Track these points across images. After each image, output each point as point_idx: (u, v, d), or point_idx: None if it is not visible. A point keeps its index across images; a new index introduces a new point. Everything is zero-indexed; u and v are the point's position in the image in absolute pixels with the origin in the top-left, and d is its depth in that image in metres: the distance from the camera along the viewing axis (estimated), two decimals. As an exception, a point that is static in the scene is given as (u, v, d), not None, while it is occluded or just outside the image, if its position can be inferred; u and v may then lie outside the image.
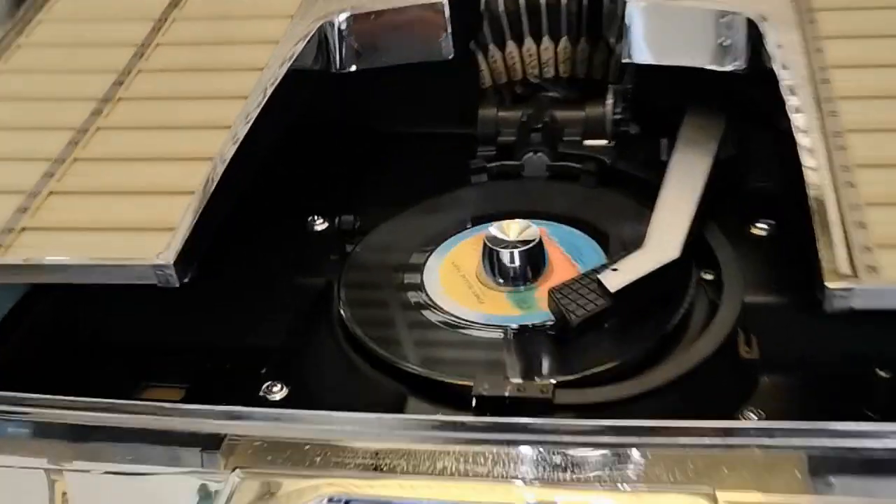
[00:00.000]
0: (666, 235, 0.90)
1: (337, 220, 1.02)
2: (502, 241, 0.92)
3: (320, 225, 1.05)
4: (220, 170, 0.88)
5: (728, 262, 0.93)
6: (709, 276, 0.93)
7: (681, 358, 0.85)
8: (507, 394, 0.79)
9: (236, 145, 0.90)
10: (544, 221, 0.99)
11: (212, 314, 0.95)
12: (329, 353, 0.92)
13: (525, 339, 0.88)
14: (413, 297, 0.93)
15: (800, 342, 0.87)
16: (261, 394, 0.86)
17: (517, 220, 0.94)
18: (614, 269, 0.87)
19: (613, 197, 1.03)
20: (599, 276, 0.87)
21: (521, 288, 0.92)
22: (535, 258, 0.92)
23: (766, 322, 0.88)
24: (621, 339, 0.86)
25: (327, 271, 0.99)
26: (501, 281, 0.93)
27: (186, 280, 0.81)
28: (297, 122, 1.06)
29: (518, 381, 0.81)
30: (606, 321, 0.86)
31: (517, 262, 0.92)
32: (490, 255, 0.93)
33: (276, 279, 1.00)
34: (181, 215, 0.84)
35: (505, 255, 0.92)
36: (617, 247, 0.95)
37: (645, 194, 1.01)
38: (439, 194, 1.05)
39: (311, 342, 0.93)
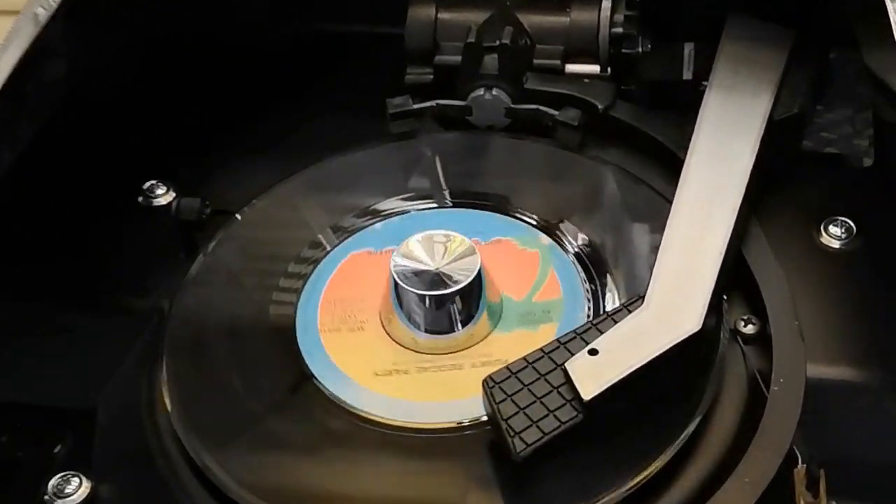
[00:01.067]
0: (682, 287, 0.55)
1: (175, 204, 0.67)
2: (420, 273, 0.57)
3: (161, 197, 0.70)
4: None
5: (781, 308, 0.58)
6: (749, 330, 0.58)
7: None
8: None
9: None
10: (496, 217, 0.64)
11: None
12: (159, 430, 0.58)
13: (447, 451, 0.54)
14: (280, 366, 0.59)
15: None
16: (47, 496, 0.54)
17: (445, 237, 0.59)
18: (593, 352, 0.52)
19: (608, 171, 0.66)
20: (567, 366, 0.52)
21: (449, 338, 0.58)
22: (469, 300, 0.58)
23: (847, 430, 0.54)
24: (597, 473, 0.52)
25: (161, 281, 0.65)
26: (420, 332, 0.58)
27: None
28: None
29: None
30: (575, 444, 0.52)
31: (440, 309, 0.57)
32: (400, 296, 0.58)
33: (87, 291, 0.65)
34: None
35: (420, 300, 0.57)
36: (608, 268, 0.61)
37: (660, 164, 0.66)
38: (332, 155, 0.69)
39: (132, 404, 0.59)
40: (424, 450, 0.54)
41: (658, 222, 0.60)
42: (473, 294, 0.57)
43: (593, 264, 0.61)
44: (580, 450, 0.52)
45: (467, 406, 0.55)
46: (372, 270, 0.61)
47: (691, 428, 0.53)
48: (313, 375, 0.57)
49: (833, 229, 0.63)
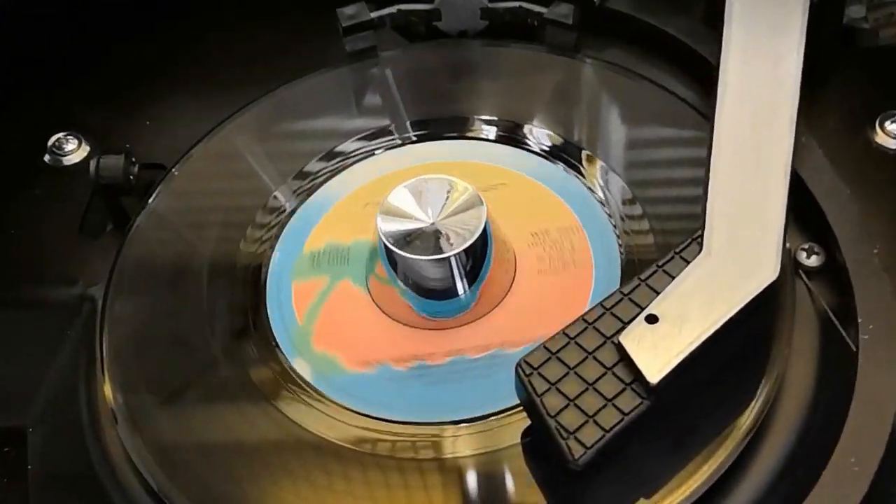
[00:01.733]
0: (747, 224, 0.44)
1: (94, 163, 0.54)
2: (417, 234, 0.46)
3: (73, 154, 0.57)
4: None
5: (852, 233, 0.48)
6: (812, 262, 0.48)
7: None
8: None
9: None
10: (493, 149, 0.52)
11: None
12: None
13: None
14: (243, 356, 0.48)
15: None
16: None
17: (443, 181, 0.47)
18: (652, 318, 0.42)
19: (617, 77, 0.55)
20: (623, 340, 0.42)
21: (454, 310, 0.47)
22: (476, 258, 0.47)
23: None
24: (658, 467, 0.42)
25: (85, 264, 0.52)
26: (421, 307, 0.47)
27: None
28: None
29: None
30: (639, 435, 0.41)
31: (445, 274, 0.46)
32: (392, 259, 0.47)
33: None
34: None
35: (418, 265, 0.46)
36: (636, 195, 0.50)
37: (674, 62, 0.55)
38: (278, 87, 0.56)
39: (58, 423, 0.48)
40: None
41: (686, 132, 0.50)
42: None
43: (621, 197, 0.51)
44: (642, 441, 0.42)
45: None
46: (347, 231, 0.50)
47: (767, 399, 0.43)
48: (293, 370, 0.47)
49: (891, 126, 0.53)
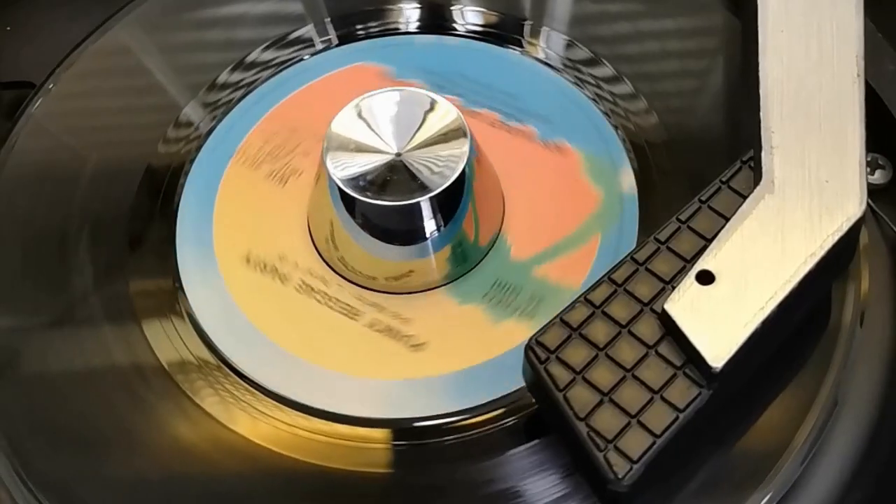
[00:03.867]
0: (819, 146, 0.33)
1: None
2: (376, 174, 0.34)
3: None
4: None
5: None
6: (877, 178, 0.38)
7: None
8: None
9: None
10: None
11: None
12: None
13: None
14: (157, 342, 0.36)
15: None
16: None
17: (408, 93, 0.36)
18: (705, 277, 0.31)
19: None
20: (669, 308, 0.31)
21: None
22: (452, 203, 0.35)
23: None
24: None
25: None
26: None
27: None
28: None
29: None
30: (693, 437, 0.31)
31: (415, 222, 0.35)
32: (352, 207, 0.35)
33: None
34: None
35: (382, 211, 0.35)
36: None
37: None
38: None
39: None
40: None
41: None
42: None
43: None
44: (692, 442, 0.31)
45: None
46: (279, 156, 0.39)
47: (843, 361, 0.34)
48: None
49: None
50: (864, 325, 0.35)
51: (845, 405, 0.34)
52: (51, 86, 0.41)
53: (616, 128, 0.39)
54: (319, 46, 0.42)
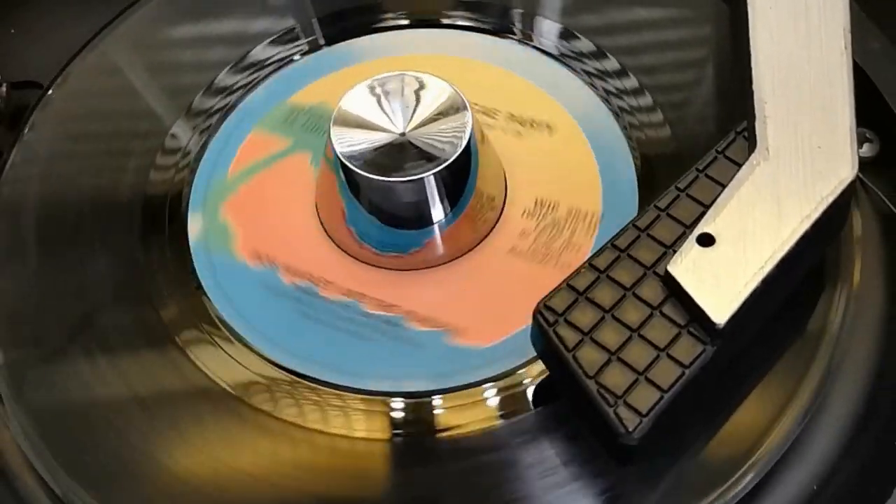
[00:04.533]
0: (810, 112, 0.34)
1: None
2: (377, 150, 0.35)
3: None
4: None
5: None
6: (865, 151, 0.40)
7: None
8: None
9: None
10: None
11: None
12: None
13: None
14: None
15: None
16: None
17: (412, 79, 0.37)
18: (706, 239, 0.32)
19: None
20: (672, 269, 0.32)
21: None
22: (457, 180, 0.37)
23: None
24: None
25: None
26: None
27: None
28: None
29: None
30: (697, 394, 0.32)
31: (422, 196, 0.36)
32: (356, 187, 0.36)
33: None
34: None
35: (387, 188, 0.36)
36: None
37: None
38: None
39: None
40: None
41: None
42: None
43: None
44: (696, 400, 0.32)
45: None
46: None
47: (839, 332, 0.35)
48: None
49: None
50: (858, 291, 0.36)
51: (841, 369, 0.35)
52: (51, 92, 0.42)
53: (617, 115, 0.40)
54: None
